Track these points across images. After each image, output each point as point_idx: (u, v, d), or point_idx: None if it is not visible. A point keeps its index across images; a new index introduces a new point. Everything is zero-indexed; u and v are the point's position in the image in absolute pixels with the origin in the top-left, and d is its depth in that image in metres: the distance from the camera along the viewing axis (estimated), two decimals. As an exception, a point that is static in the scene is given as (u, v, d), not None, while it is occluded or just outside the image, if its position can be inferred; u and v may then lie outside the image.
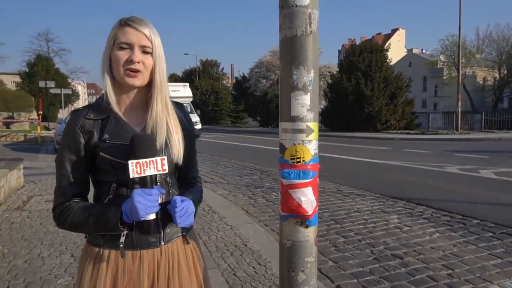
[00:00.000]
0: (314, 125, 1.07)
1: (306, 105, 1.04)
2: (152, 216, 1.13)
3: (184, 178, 1.39)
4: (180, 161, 1.29)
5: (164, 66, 1.25)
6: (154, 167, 1.12)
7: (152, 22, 1.25)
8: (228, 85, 58.04)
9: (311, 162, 1.07)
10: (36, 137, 17.39)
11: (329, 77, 30.28)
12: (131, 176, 1.11)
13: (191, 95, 22.71)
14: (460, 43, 24.75)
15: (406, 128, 25.47)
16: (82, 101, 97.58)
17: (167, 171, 1.16)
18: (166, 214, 1.20)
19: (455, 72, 32.17)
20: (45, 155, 12.48)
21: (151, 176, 1.14)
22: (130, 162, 1.11)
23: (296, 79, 1.04)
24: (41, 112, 18.63)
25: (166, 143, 1.24)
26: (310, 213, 1.06)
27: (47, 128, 23.82)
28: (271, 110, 40.04)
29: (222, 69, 55.93)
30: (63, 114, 36.53)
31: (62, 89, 27.30)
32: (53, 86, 24.79)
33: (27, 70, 45.42)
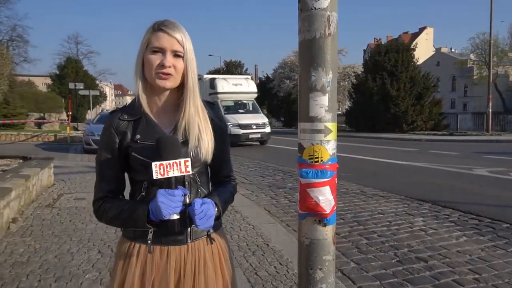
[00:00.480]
0: (332, 126, 1.09)
1: (325, 106, 1.06)
2: (176, 216, 1.16)
3: (216, 176, 1.42)
4: (209, 160, 1.32)
5: (195, 69, 1.29)
6: (177, 169, 1.15)
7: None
8: (252, 85, 58.12)
9: (329, 162, 1.08)
10: (66, 137, 17.98)
11: (354, 77, 29.92)
12: (154, 177, 1.15)
13: (255, 90, 18.21)
14: (492, 41, 23.98)
15: (434, 129, 24.88)
16: (109, 102, 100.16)
17: (190, 172, 1.19)
18: None
19: (486, 71, 31.09)
20: (74, 155, 12.90)
21: (176, 177, 1.17)
22: (153, 163, 1.15)
23: (314, 81, 1.06)
24: (70, 113, 19.26)
25: (192, 140, 1.28)
26: (328, 211, 1.08)
27: (76, 129, 24.55)
28: (295, 110, 39.90)
29: (246, 70, 56.10)
30: (91, 115, 37.57)
31: (91, 91, 28.10)
32: (82, 87, 25.54)
33: (57, 72, 46.89)
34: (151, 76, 1.24)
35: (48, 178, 6.53)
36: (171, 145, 1.18)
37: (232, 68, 54.47)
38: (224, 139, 1.40)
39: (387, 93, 24.47)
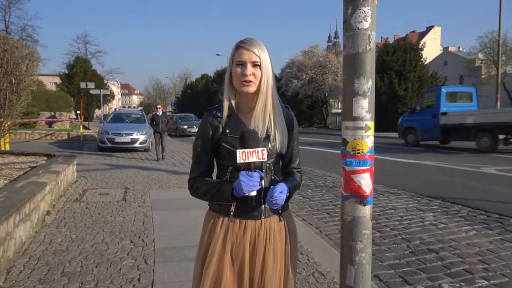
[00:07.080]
0: (371, 124, 1.34)
1: (365, 107, 1.31)
2: (253, 193, 1.47)
3: (286, 167, 1.73)
4: (284, 151, 1.63)
5: (270, 75, 1.58)
6: (256, 156, 1.46)
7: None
8: (259, 85, 58.33)
9: (368, 153, 1.33)
10: (78, 135, 18.35)
11: (361, 76, 30.00)
12: (238, 161, 1.45)
13: None
14: (500, 40, 23.98)
15: (441, 128, 24.94)
16: (116, 101, 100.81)
17: (266, 159, 1.49)
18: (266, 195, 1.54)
19: (495, 71, 31.07)
20: (89, 153, 13.20)
21: (254, 162, 1.47)
22: (238, 151, 1.46)
23: (357, 87, 1.30)
24: (79, 112, 19.61)
25: (270, 135, 1.58)
26: (368, 193, 1.33)
27: (86, 128, 24.91)
28: (302, 110, 40.00)
29: (253, 69, 56.29)
30: (101, 113, 38.08)
31: (102, 90, 28.47)
32: (93, 87, 25.89)
33: (66, 72, 47.34)
34: (237, 84, 1.56)
35: (72, 175, 6.82)
36: (251, 137, 1.49)
37: (239, 67, 54.66)
38: (295, 137, 1.71)
39: (395, 92, 24.64)
